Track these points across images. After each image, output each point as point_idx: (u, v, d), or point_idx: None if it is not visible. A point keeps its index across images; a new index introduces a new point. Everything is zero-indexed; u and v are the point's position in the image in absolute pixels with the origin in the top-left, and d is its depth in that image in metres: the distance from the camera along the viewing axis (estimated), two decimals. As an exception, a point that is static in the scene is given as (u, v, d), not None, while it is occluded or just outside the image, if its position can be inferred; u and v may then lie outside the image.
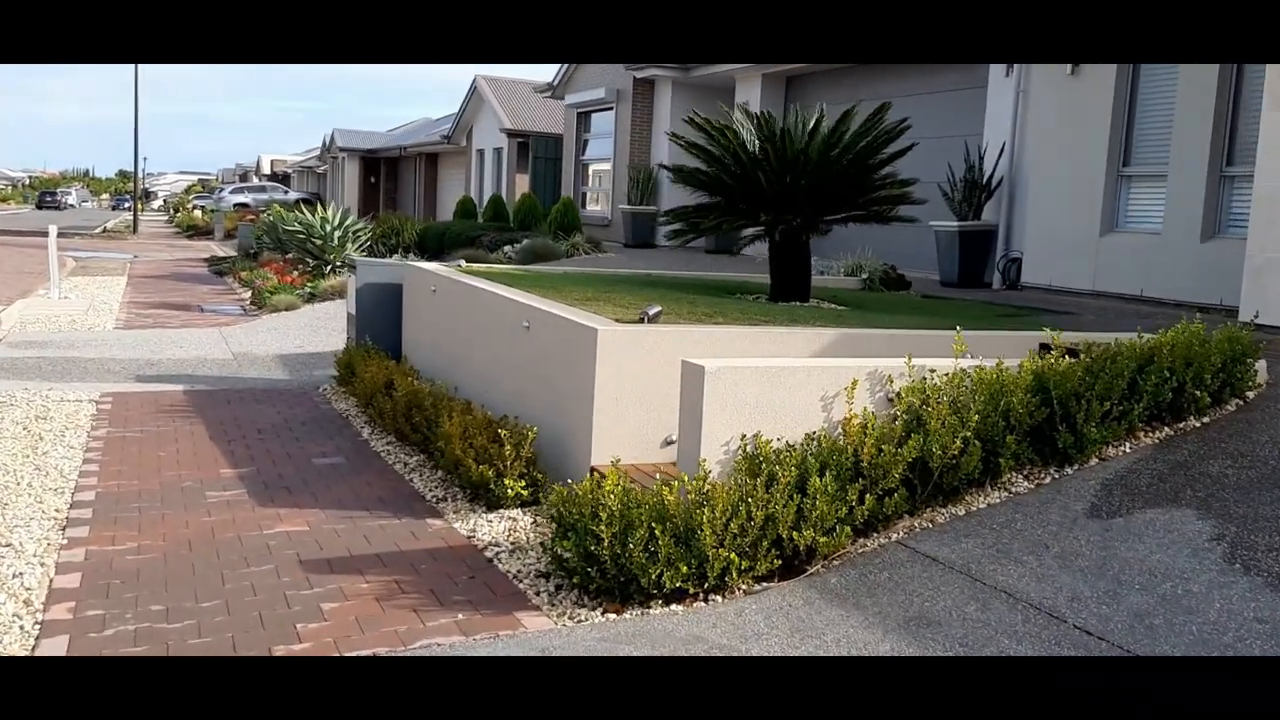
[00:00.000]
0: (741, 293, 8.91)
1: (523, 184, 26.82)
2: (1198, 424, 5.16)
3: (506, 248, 17.76)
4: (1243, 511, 4.23)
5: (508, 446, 5.63)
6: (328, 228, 16.09)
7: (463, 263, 9.64)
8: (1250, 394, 5.40)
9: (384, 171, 44.21)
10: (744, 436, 4.59)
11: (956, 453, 4.61)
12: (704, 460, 4.53)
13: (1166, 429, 5.12)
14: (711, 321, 6.26)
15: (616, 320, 6.03)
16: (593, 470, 5.65)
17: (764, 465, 4.48)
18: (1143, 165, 9.96)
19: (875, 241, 12.71)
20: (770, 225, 7.77)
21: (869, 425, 4.63)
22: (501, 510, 5.69)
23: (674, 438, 5.76)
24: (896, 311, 8.17)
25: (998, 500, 4.75)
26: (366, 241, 17.54)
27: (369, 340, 9.42)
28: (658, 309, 6.03)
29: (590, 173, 23.04)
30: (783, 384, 4.65)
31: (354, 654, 3.90)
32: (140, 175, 55.99)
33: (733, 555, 4.20)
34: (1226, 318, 8.75)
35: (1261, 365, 5.62)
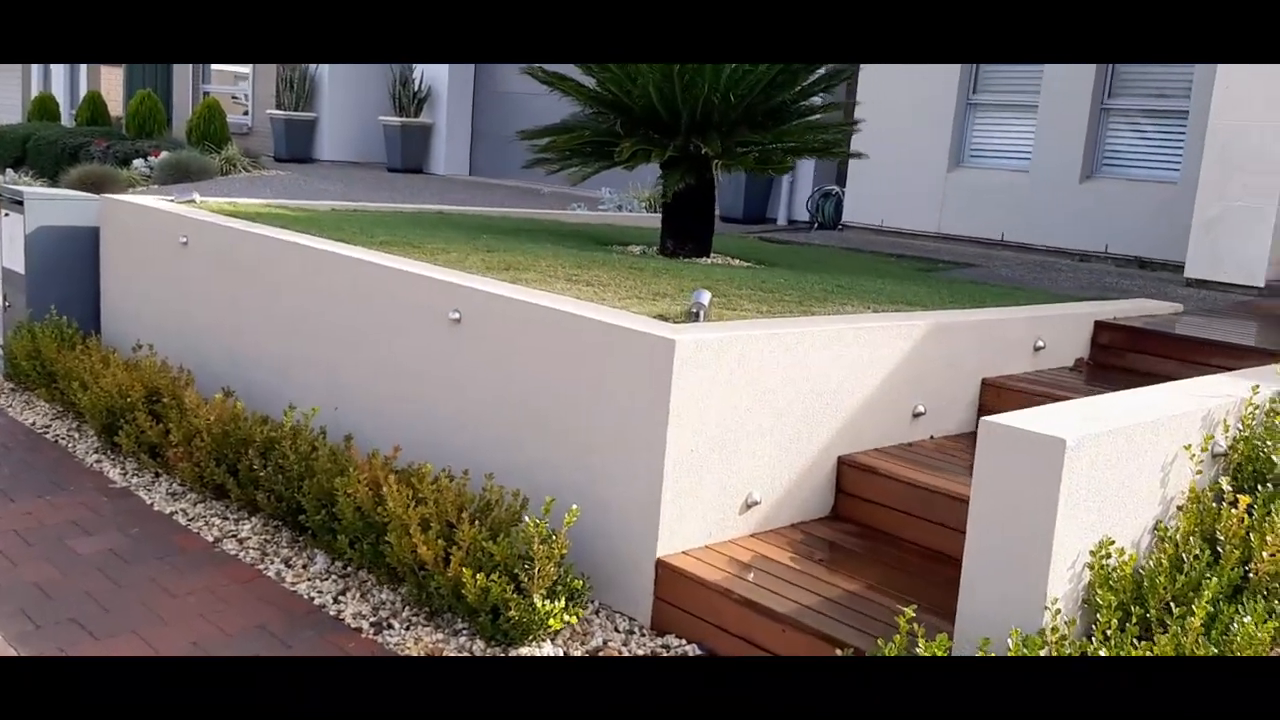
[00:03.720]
0: (605, 241, 6.84)
1: (113, 80, 21.96)
2: None
3: (137, 162, 13.99)
4: None
5: (536, 542, 3.34)
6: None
7: (196, 196, 6.68)
8: None
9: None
10: (1097, 548, 2.74)
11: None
12: (1054, 603, 2.63)
13: None
14: (769, 312, 4.24)
15: (661, 317, 3.85)
16: (660, 565, 3.54)
17: (1140, 599, 2.68)
18: (999, 93, 8.94)
19: (645, 172, 10.95)
20: (696, 158, 5.75)
21: (1215, 507, 2.95)
22: (526, 648, 3.40)
23: (757, 498, 3.77)
24: (824, 269, 6.51)
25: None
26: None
27: (56, 312, 6.29)
28: (707, 295, 3.92)
29: (211, 71, 19.12)
30: (1136, 448, 2.83)
31: None
32: None
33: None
34: (1117, 267, 7.99)
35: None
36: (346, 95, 16.56)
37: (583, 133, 5.85)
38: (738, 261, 6.53)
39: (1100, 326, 5.26)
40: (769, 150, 5.66)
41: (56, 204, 6.56)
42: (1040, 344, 4.92)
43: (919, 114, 9.12)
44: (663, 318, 3.83)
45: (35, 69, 24.68)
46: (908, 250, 8.49)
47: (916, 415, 4.35)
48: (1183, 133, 7.90)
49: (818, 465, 4.00)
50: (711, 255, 6.52)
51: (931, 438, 4.45)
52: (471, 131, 16.15)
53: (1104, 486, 2.74)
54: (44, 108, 18.90)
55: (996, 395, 4.65)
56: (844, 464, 4.07)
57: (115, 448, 5.18)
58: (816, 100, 6.31)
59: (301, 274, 4.98)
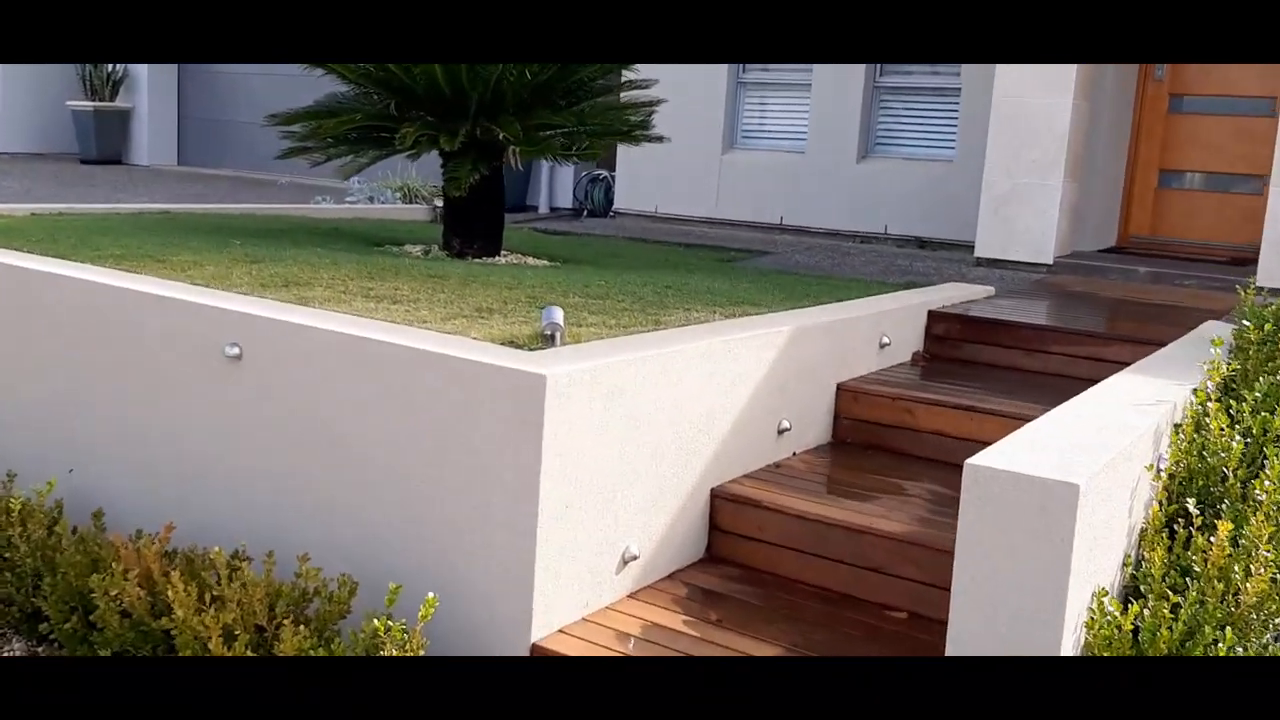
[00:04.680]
0: (376, 241, 6.00)
1: None
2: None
3: None
4: None
5: (390, 647, 2.59)
6: None
7: None
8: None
9: None
10: (1094, 601, 2.32)
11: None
12: (1069, 676, 2.18)
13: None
14: (618, 326, 3.62)
15: (511, 342, 3.15)
16: (535, 651, 2.88)
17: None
18: (770, 71, 8.66)
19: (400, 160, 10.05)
20: (488, 144, 5.04)
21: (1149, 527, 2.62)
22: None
23: (635, 551, 3.20)
24: (630, 265, 5.97)
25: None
26: None
27: None
28: (559, 313, 3.27)
29: None
30: (1120, 478, 2.43)
31: None
32: None
33: None
34: (898, 248, 7.87)
35: None
36: (24, 77, 14.50)
37: (353, 116, 4.99)
38: (535, 260, 5.87)
39: (933, 317, 4.98)
40: (574, 134, 5.03)
41: None
42: (886, 340, 4.57)
43: (689, 94, 8.72)
44: (512, 343, 3.15)
45: None
46: (690, 238, 8.10)
47: (782, 432, 3.88)
48: (955, 109, 7.88)
49: (692, 501, 3.44)
50: (503, 253, 5.84)
51: (795, 454, 3.99)
52: (179, 116, 14.56)
53: (1098, 528, 2.33)
54: None
55: (853, 401, 4.25)
56: (718, 497, 3.53)
57: None
58: (612, 79, 5.74)
59: (15, 303, 3.92)
